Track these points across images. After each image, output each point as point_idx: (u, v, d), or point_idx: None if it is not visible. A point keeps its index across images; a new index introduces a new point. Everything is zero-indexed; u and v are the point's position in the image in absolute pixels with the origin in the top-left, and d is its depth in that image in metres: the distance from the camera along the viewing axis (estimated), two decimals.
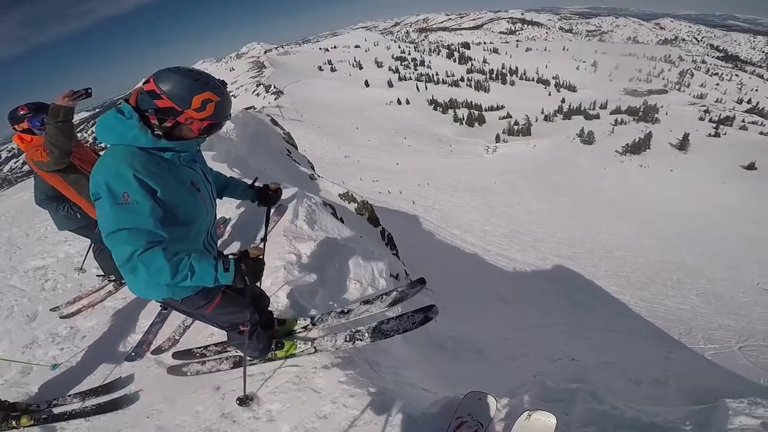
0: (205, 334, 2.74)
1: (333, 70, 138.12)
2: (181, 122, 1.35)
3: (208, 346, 2.66)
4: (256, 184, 2.07)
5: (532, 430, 1.89)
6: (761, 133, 75.97)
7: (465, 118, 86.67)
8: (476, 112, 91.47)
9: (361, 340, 2.22)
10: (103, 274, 3.59)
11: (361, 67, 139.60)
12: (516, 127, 75.49)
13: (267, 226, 2.18)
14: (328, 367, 2.28)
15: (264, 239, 2.06)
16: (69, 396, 2.46)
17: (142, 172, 1.28)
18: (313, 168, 14.51)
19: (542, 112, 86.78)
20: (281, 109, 64.42)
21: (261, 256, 1.47)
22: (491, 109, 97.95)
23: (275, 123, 17.13)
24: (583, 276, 25.76)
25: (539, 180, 41.33)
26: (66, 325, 3.20)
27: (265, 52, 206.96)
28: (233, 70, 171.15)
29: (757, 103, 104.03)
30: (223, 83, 1.42)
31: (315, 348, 2.29)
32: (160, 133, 1.35)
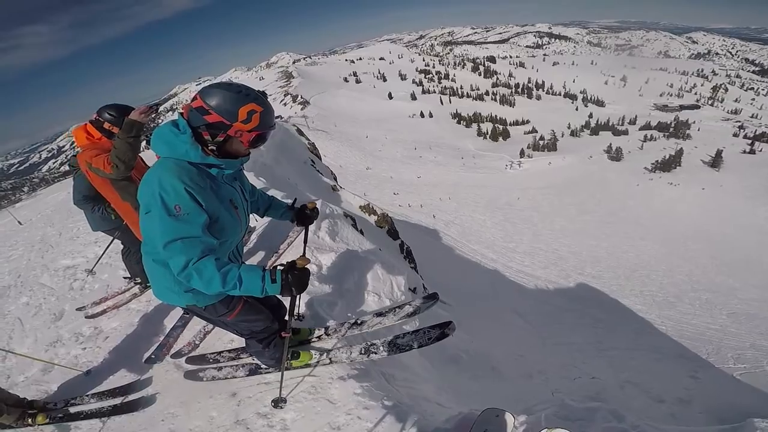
0: (225, 340, 2.74)
1: (358, 81, 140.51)
2: (231, 136, 1.41)
3: (222, 352, 2.64)
4: (295, 205, 2.15)
5: None
6: None
7: (489, 133, 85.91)
8: (501, 127, 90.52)
9: (376, 353, 2.21)
10: (129, 276, 3.63)
11: (385, 79, 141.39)
12: (541, 143, 74.12)
13: (305, 243, 2.20)
14: (344, 378, 2.24)
15: (303, 256, 2.23)
16: (86, 396, 2.45)
17: (192, 185, 1.35)
18: (335, 179, 14.64)
19: (569, 127, 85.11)
20: (307, 119, 65.98)
21: (306, 267, 1.50)
22: (516, 123, 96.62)
23: (301, 133, 17.57)
24: (607, 294, 25.16)
25: (564, 197, 40.54)
26: (90, 325, 3.24)
27: (294, 62, 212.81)
28: (263, 79, 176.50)
29: None
30: (264, 94, 1.48)
31: (330, 359, 2.29)
32: (214, 148, 1.43)
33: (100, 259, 3.96)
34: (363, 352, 2.24)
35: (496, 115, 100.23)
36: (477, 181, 43.53)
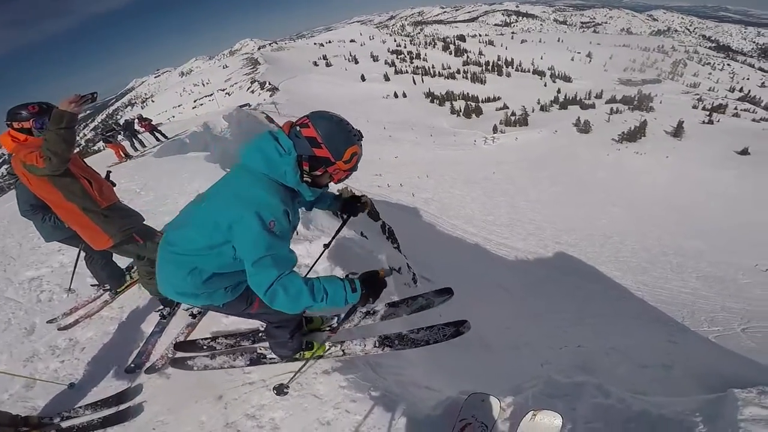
0: (222, 324, 2.68)
1: (328, 65, 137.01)
2: (329, 172, 1.44)
3: (217, 337, 2.50)
4: (344, 194, 2.15)
5: (537, 430, 1.86)
6: (753, 119, 77.08)
7: (462, 110, 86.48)
8: (473, 104, 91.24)
9: (390, 346, 2.17)
10: (97, 283, 3.44)
11: (356, 62, 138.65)
12: (513, 118, 75.56)
13: (337, 233, 2.29)
14: (329, 372, 2.23)
15: (326, 245, 2.33)
16: (80, 408, 2.40)
17: (287, 207, 1.37)
18: None
19: (538, 103, 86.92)
20: (277, 105, 63.73)
21: (384, 278, 1.52)
22: (488, 100, 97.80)
23: (271, 120, 16.97)
24: (585, 262, 26.05)
25: (537, 169, 41.46)
26: (65, 337, 3.12)
27: (259, 49, 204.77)
28: (227, 67, 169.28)
29: (749, 91, 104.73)
30: (360, 133, 1.50)
31: (343, 351, 2.24)
32: (309, 179, 1.45)
33: (74, 274, 3.67)
34: (377, 344, 2.20)
35: (468, 93, 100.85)
36: (453, 158, 43.76)
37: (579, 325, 18.54)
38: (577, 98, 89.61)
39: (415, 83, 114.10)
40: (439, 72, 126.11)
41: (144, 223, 2.76)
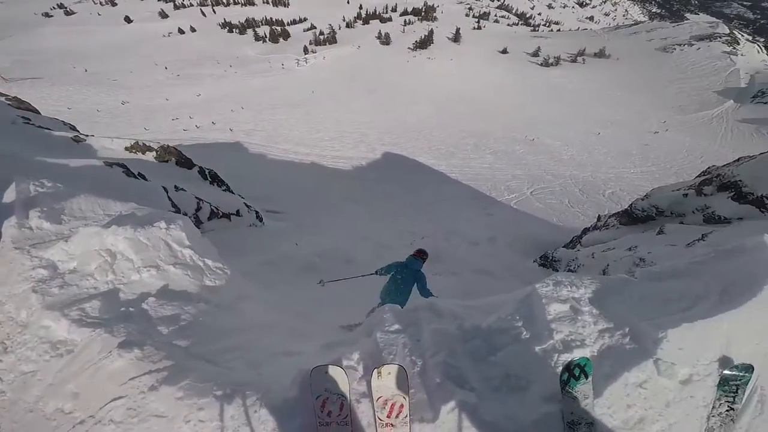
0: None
1: (69, 13, 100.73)
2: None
3: None
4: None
5: (387, 384, 1.92)
6: (508, 24, 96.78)
7: (268, 36, 79.11)
8: (279, 28, 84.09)
9: None
10: None
11: (114, 3, 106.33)
12: (322, 37, 74.02)
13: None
14: (156, 387, 2.02)
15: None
16: None
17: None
18: (74, 128, 11.74)
19: (344, 20, 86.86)
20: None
21: None
22: (294, 22, 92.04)
23: None
24: (407, 156, 29.23)
25: (352, 82, 42.70)
26: None
27: None
28: None
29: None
30: None
31: None
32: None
33: None
34: None
35: (271, 18, 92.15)
36: (267, 84, 40.74)
37: (418, 217, 21.13)
38: (377, 13, 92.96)
39: (205, 15, 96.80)
40: (233, 0, 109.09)
41: None
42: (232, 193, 17.21)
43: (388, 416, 1.94)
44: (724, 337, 2.11)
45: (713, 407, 2.07)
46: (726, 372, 2.06)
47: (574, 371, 1.87)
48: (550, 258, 16.04)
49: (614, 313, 2.32)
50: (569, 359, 2.02)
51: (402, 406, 1.94)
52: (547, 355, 2.14)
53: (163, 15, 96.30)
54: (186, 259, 2.96)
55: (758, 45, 54.93)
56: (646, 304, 2.43)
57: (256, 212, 15.89)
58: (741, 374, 2.03)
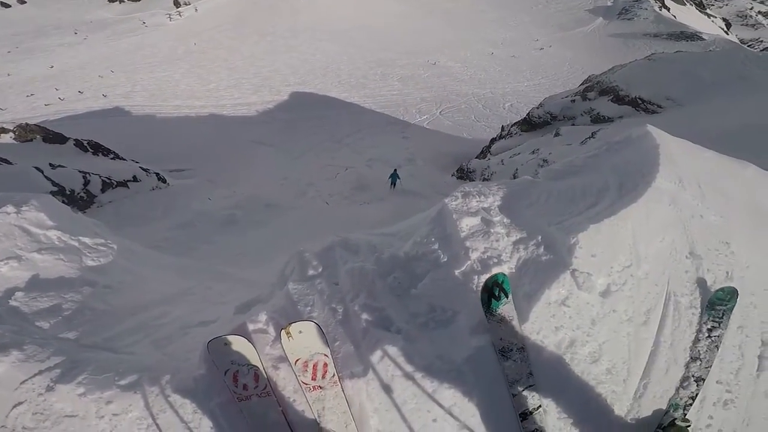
0: None
1: None
2: None
3: None
4: None
5: (302, 344, 1.72)
6: None
7: None
8: None
9: None
10: None
11: None
12: None
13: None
14: (52, 386, 1.87)
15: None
16: None
17: None
18: None
19: None
20: None
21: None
22: None
23: None
24: (317, 93, 27.71)
25: (242, 28, 38.35)
26: None
27: None
28: None
29: None
30: None
31: None
32: None
33: None
34: None
35: None
36: (137, 43, 34.89)
37: (338, 148, 20.53)
38: None
39: None
40: None
41: None
42: (123, 159, 15.48)
43: (313, 378, 1.73)
44: (630, 236, 2.11)
45: (699, 331, 2.08)
46: (712, 297, 2.09)
47: (493, 290, 1.82)
48: (466, 170, 16.92)
49: (524, 220, 2.28)
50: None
51: (325, 365, 1.74)
52: (467, 278, 2.07)
53: None
54: (54, 241, 2.72)
55: None
56: (552, 204, 2.43)
57: (156, 174, 14.46)
58: (726, 298, 2.04)
